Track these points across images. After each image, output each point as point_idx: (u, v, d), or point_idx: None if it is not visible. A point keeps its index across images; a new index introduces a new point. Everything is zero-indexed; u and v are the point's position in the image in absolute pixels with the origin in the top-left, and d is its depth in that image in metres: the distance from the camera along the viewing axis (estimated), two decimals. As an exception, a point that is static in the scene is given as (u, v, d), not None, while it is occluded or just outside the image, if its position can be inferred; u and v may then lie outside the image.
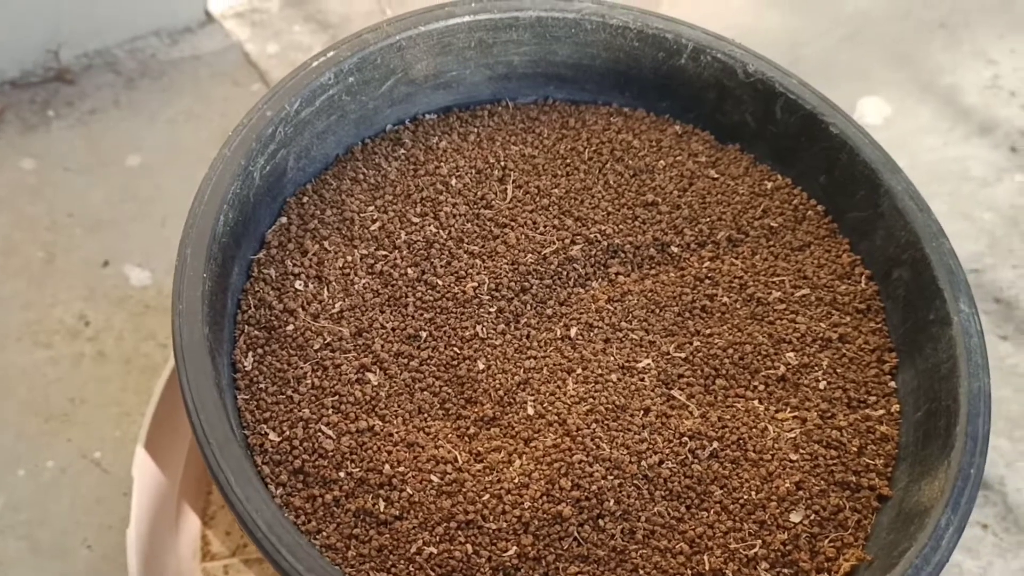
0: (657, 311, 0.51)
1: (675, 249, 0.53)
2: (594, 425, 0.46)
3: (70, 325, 0.77)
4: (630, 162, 0.56)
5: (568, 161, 0.56)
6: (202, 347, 0.40)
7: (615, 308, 0.51)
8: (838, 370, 0.49)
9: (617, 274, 0.52)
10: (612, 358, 0.49)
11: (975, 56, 1.10)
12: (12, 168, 0.86)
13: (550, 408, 0.46)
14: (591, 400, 0.47)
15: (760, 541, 0.44)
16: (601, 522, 0.43)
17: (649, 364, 0.49)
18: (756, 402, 0.48)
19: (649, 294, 0.51)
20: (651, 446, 0.46)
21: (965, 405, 0.44)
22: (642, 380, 0.48)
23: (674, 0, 1.04)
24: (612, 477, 0.44)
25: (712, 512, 0.45)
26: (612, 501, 0.44)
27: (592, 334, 0.50)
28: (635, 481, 0.44)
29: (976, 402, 0.44)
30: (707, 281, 0.52)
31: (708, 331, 0.50)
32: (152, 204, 0.84)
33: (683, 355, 0.49)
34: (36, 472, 0.71)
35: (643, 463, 0.45)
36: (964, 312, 0.47)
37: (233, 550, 0.69)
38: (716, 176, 0.56)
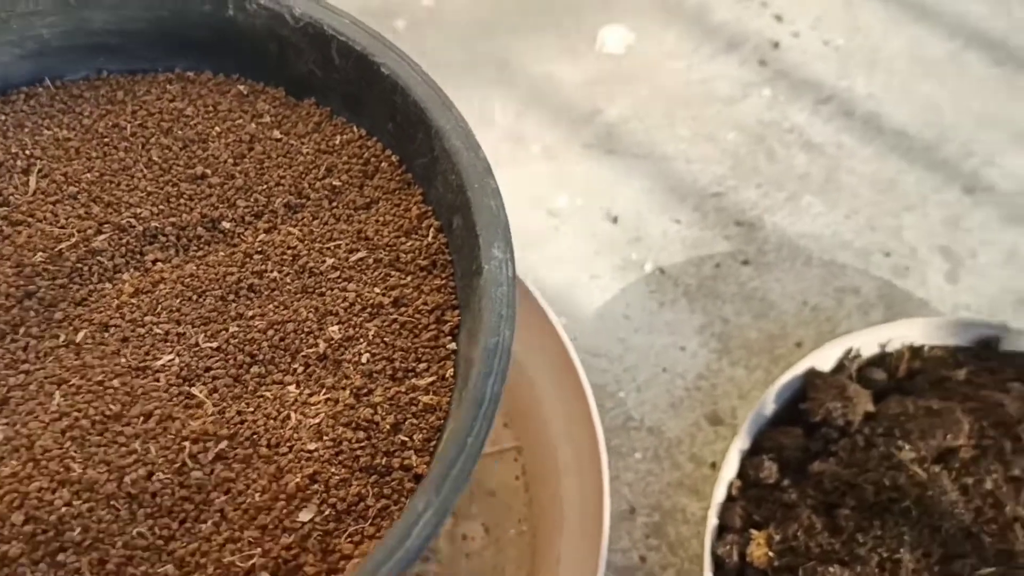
0: (195, 298, 0.45)
1: (227, 224, 0.47)
2: (68, 444, 0.40)
3: None
4: (179, 133, 0.50)
5: (107, 140, 0.49)
6: None
7: (141, 302, 0.45)
8: (386, 339, 0.44)
9: (155, 261, 0.46)
10: (124, 359, 0.43)
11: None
12: None
13: (22, 430, 0.40)
14: (76, 414, 0.41)
15: (260, 549, 0.38)
16: (61, 557, 0.37)
17: (172, 360, 0.43)
18: (293, 387, 0.42)
19: (188, 280, 0.45)
20: (140, 458, 0.40)
21: (477, 364, 0.39)
22: (157, 380, 0.42)
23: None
24: (80, 502, 0.38)
25: (211, 523, 0.39)
26: (78, 530, 0.38)
27: (106, 335, 0.44)
28: (112, 502, 0.39)
29: (490, 360, 0.39)
30: (257, 256, 0.46)
31: (251, 313, 0.45)
32: None
33: (215, 344, 0.43)
34: None
35: (125, 479, 0.39)
36: (496, 259, 0.41)
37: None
38: (280, 137, 0.50)
